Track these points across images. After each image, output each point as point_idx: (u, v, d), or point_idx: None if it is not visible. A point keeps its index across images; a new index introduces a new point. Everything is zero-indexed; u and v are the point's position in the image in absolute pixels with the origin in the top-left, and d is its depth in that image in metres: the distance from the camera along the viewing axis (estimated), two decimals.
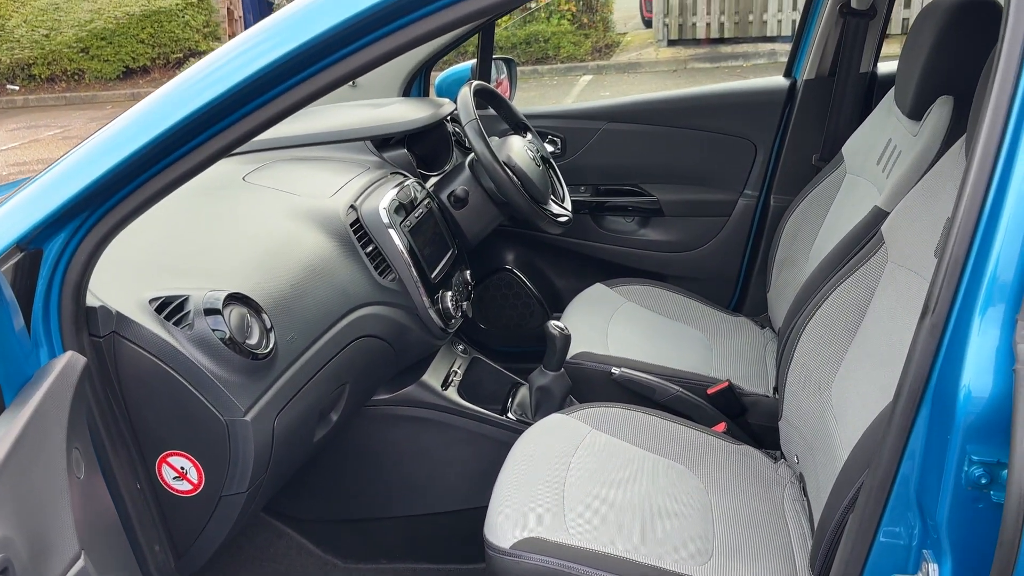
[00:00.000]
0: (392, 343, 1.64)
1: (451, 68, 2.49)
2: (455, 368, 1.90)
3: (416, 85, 2.42)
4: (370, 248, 1.65)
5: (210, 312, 1.21)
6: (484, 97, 2.10)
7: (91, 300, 1.18)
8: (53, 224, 1.06)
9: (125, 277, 1.27)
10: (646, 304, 2.13)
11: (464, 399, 1.83)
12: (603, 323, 2.02)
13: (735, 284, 2.42)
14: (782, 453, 1.61)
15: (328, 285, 1.48)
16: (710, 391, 1.83)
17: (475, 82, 2.02)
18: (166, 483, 1.25)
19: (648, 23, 11.05)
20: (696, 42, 10.23)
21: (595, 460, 1.49)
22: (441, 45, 2.33)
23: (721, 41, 10.08)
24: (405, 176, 1.90)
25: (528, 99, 9.18)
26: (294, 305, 1.38)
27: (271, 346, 1.27)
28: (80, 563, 0.88)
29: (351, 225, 1.63)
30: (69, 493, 0.90)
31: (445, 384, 1.83)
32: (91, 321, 1.17)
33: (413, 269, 1.69)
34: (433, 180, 2.07)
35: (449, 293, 1.78)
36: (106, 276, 1.25)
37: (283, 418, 1.30)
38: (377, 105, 2.16)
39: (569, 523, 1.33)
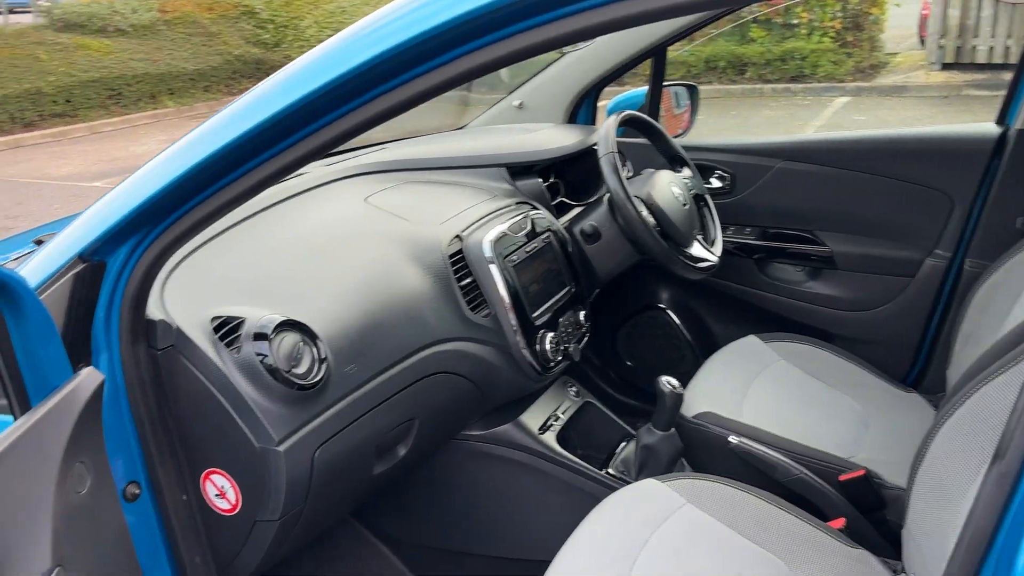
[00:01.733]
0: (477, 382, 1.58)
1: (624, 93, 2.38)
2: (560, 412, 1.81)
3: (584, 110, 2.34)
4: (467, 281, 1.60)
5: (258, 337, 1.22)
6: (639, 127, 1.99)
7: (159, 314, 1.23)
8: (115, 237, 1.11)
9: (205, 292, 1.31)
10: (802, 365, 1.91)
11: (563, 446, 1.73)
12: (745, 381, 1.84)
13: (915, 355, 2.11)
14: (903, 567, 1.38)
15: (407, 317, 1.45)
16: (842, 478, 1.61)
17: (626, 112, 1.91)
18: (209, 499, 1.27)
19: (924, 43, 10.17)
20: (976, 67, 9.25)
21: (680, 538, 1.35)
22: (610, 69, 2.23)
23: (1005, 67, 9.03)
24: (533, 207, 1.83)
25: (774, 119, 8.74)
26: (361, 336, 1.36)
27: (320, 377, 1.26)
28: None
29: (452, 256, 1.59)
30: (53, 507, 0.93)
31: (544, 427, 1.74)
32: (151, 333, 1.21)
33: (511, 307, 1.61)
34: (574, 212, 1.99)
35: (551, 335, 1.69)
36: (188, 290, 1.30)
37: (326, 451, 1.28)
38: (527, 130, 2.10)
39: None
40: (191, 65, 11.63)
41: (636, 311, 2.40)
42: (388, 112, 0.95)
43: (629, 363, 2.42)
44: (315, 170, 1.80)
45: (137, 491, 1.20)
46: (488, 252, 1.61)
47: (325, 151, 1.03)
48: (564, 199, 2.05)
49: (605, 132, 1.81)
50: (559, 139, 2.00)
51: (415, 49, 0.89)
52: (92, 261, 1.12)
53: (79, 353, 1.14)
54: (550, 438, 1.73)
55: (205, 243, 1.43)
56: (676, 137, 2.36)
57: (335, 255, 1.48)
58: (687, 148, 2.17)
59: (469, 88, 2.65)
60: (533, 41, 0.85)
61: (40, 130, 9.64)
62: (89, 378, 1.02)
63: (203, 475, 1.26)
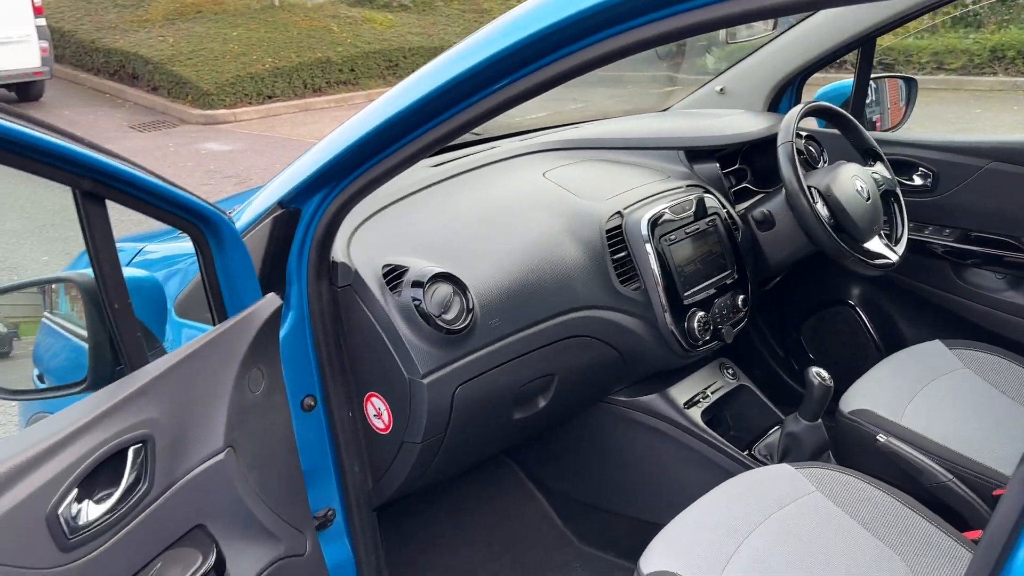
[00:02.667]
0: (621, 350, 1.69)
1: (832, 84, 2.34)
2: (709, 390, 1.87)
3: (787, 97, 2.33)
4: (621, 256, 1.70)
5: (416, 285, 1.41)
6: (830, 118, 1.98)
7: (342, 257, 1.46)
8: (308, 188, 1.34)
9: (383, 243, 1.53)
10: (984, 375, 1.83)
11: (711, 424, 1.80)
12: (916, 385, 1.80)
13: None
14: None
15: (556, 283, 1.58)
16: (996, 492, 1.55)
17: (814, 103, 1.91)
18: (368, 418, 1.50)
19: None
20: None
21: (800, 521, 1.39)
22: (813, 58, 2.21)
23: None
24: (706, 191, 1.89)
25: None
26: (510, 295, 1.52)
27: (465, 324, 1.43)
28: (220, 457, 1.14)
29: (610, 231, 1.70)
30: (229, 400, 1.17)
31: (690, 403, 1.81)
32: (334, 273, 1.44)
33: (661, 284, 1.70)
34: (758, 199, 2.02)
35: (701, 314, 1.75)
36: (370, 240, 1.52)
37: (465, 390, 1.46)
38: (715, 116, 2.15)
39: (725, 573, 1.28)
40: (460, 40, 12.34)
41: (823, 305, 2.37)
42: (560, 77, 1.06)
43: (812, 356, 2.40)
44: (506, 144, 1.97)
45: (313, 403, 1.44)
46: (644, 231, 1.70)
47: (490, 117, 1.18)
48: (749, 185, 2.08)
49: (787, 121, 1.83)
50: (742, 126, 2.03)
51: (591, 20, 0.98)
52: (289, 208, 1.36)
53: (275, 284, 1.39)
54: (695, 413, 1.80)
55: (396, 202, 1.65)
56: (888, 131, 2.29)
57: (502, 222, 1.65)
58: (893, 143, 2.11)
59: (677, 71, 2.71)
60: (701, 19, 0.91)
61: (326, 95, 10.70)
62: (270, 302, 1.26)
63: (365, 397, 1.49)
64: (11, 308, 1.35)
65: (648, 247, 1.70)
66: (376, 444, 1.50)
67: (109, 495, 0.99)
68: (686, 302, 1.74)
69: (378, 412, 1.48)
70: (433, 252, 1.51)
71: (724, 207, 1.90)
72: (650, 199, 1.79)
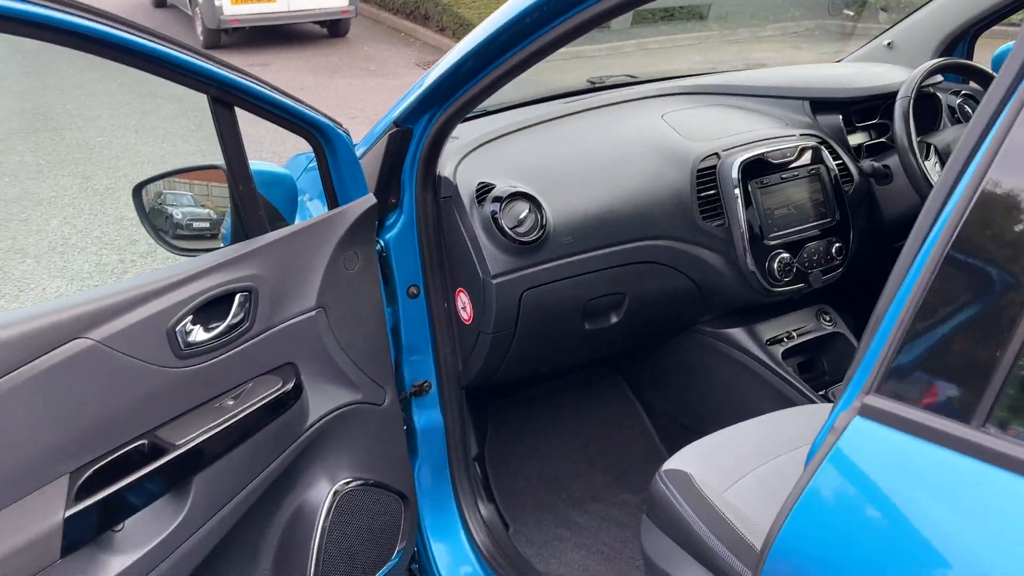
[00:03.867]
0: (697, 281, 1.83)
1: (1010, 43, 2.22)
2: (798, 332, 1.94)
3: (959, 50, 2.25)
4: (709, 193, 1.82)
5: (496, 200, 1.66)
6: (971, 75, 1.94)
7: (447, 173, 1.74)
8: (418, 109, 1.62)
9: (484, 166, 1.78)
10: None
11: (799, 365, 1.88)
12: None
13: None
14: None
15: (636, 212, 1.76)
16: None
17: (950, 59, 1.89)
18: (457, 310, 1.78)
19: None
20: None
21: None
22: (982, 13, 2.12)
23: None
24: (822, 140, 1.94)
25: None
26: (586, 219, 1.72)
27: (535, 238, 1.66)
28: (311, 314, 1.48)
29: (702, 169, 1.83)
30: (324, 272, 1.49)
31: (774, 341, 1.91)
32: (438, 185, 1.72)
33: (744, 224, 1.80)
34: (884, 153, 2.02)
35: (784, 256, 1.83)
36: (475, 162, 1.79)
37: (532, 295, 1.69)
38: (858, 69, 2.15)
39: (739, 484, 1.41)
40: None
41: None
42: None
43: None
44: (638, 87, 2.14)
45: (416, 292, 1.75)
46: (735, 173, 1.81)
47: (575, 37, 1.33)
48: (886, 140, 2.08)
49: (912, 75, 1.83)
50: (878, 79, 2.03)
51: None
52: (403, 127, 1.66)
53: (391, 192, 1.70)
54: (776, 351, 1.90)
55: (512, 132, 1.90)
56: None
57: (600, 156, 1.84)
58: None
59: (855, 24, 2.67)
60: None
61: (597, 44, 10.96)
62: (367, 200, 1.57)
63: (456, 292, 1.77)
64: (173, 190, 1.76)
65: (737, 190, 1.81)
66: (463, 332, 1.79)
67: (217, 326, 1.34)
68: (769, 243, 1.84)
69: (464, 305, 1.76)
70: (524, 175, 1.75)
71: (839, 159, 1.94)
72: (754, 143, 1.88)
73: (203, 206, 1.66)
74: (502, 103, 2.09)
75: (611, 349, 2.03)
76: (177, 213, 1.68)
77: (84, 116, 7.34)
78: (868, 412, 0.81)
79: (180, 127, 7.01)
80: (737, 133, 1.92)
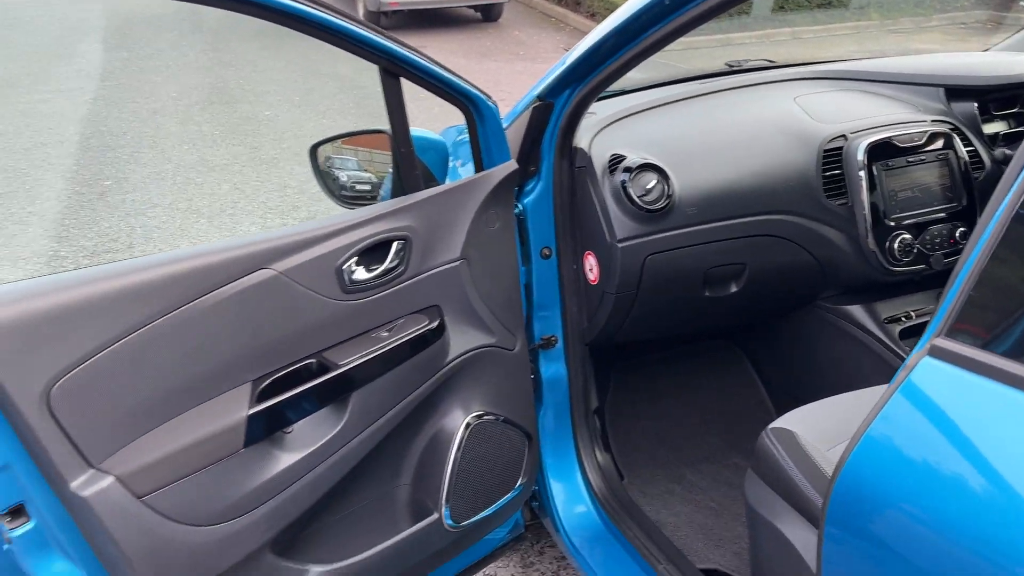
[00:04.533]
0: (817, 256, 1.91)
1: None
2: (917, 312, 1.99)
3: None
4: (834, 173, 1.90)
5: (626, 170, 1.80)
6: None
7: (583, 144, 1.89)
8: (559, 85, 1.78)
9: (618, 139, 1.93)
10: None
11: (905, 343, 1.94)
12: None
13: None
14: None
15: (760, 187, 1.86)
16: None
17: None
18: (584, 271, 1.94)
19: None
20: None
21: None
22: None
23: None
24: (955, 127, 1.97)
25: None
26: (711, 192, 1.84)
27: (662, 207, 1.79)
28: (456, 264, 1.66)
29: (828, 150, 1.90)
30: (468, 228, 1.67)
31: (892, 319, 1.97)
32: (573, 155, 1.88)
33: (867, 205, 1.87)
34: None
35: (905, 237, 1.89)
36: (610, 136, 1.93)
37: (655, 259, 1.82)
38: (998, 59, 2.15)
39: (841, 446, 1.51)
40: None
41: None
42: None
43: None
44: (774, 71, 2.22)
45: (548, 253, 1.92)
46: (861, 155, 1.88)
47: (710, 17, 1.43)
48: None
49: None
50: (1013, 68, 2.04)
51: None
52: (545, 101, 1.82)
53: (532, 160, 1.87)
54: (894, 329, 1.95)
55: (648, 109, 2.03)
56: None
57: (728, 134, 1.95)
58: None
59: (1006, 10, 2.62)
60: None
61: (749, 31, 10.79)
62: (509, 166, 1.74)
63: (584, 254, 1.93)
64: (340, 155, 1.98)
65: (862, 172, 1.88)
66: (589, 292, 1.94)
67: (376, 268, 1.55)
68: (890, 223, 1.90)
69: (591, 267, 1.91)
70: (655, 149, 1.88)
71: (971, 146, 1.97)
72: (883, 127, 1.94)
73: (365, 171, 1.88)
74: (639, 83, 2.22)
75: (730, 320, 2.13)
76: (343, 176, 1.91)
77: (255, 91, 7.91)
78: (937, 353, 0.92)
79: (339, 104, 7.44)
80: (867, 117, 1.98)
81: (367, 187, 1.84)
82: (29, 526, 1.25)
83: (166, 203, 5.24)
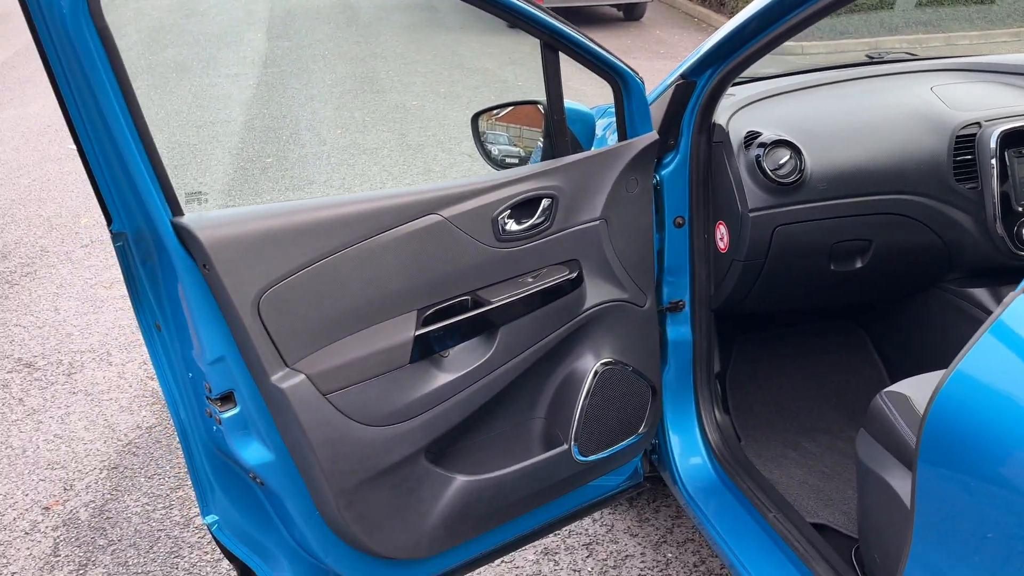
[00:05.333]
0: (943, 237, 1.98)
1: None
2: None
3: None
4: (965, 159, 1.97)
5: (761, 145, 1.93)
6: None
7: (722, 121, 2.03)
8: (701, 65, 1.93)
9: (755, 117, 2.05)
10: None
11: None
12: None
13: None
14: None
15: (890, 167, 1.94)
16: None
17: None
18: (715, 240, 2.07)
19: None
20: None
21: None
22: None
23: None
24: None
25: None
26: (842, 168, 1.94)
27: (794, 181, 1.91)
28: (596, 223, 1.83)
29: (961, 136, 1.97)
30: (609, 191, 1.84)
31: None
32: (712, 131, 2.02)
33: (997, 191, 1.93)
34: None
35: None
36: (747, 114, 2.06)
37: (784, 230, 1.94)
38: None
39: None
40: None
41: None
42: None
43: None
44: (914, 63, 2.29)
45: (681, 222, 2.07)
46: (994, 143, 1.94)
47: (842, 5, 1.59)
48: None
49: None
50: None
51: None
52: (688, 79, 1.97)
53: (672, 134, 2.03)
54: None
55: (789, 92, 2.15)
56: None
57: (862, 117, 2.04)
58: None
59: None
60: None
61: (900, 35, 10.48)
62: (650, 136, 1.90)
63: (716, 224, 2.07)
64: (494, 130, 2.19)
65: (993, 160, 1.94)
66: (718, 260, 2.08)
67: (526, 222, 1.75)
68: (1019, 209, 1.95)
69: (722, 236, 2.05)
70: (790, 128, 2.00)
71: None
72: (1018, 116, 1.99)
73: (515, 145, 2.09)
74: (780, 72, 2.34)
75: (853, 297, 2.22)
76: (495, 149, 2.13)
77: (403, 81, 8.32)
78: None
79: (482, 96, 7.74)
80: (1004, 106, 2.04)
81: (515, 161, 2.05)
82: (235, 411, 1.51)
83: (321, 180, 5.64)
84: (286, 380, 1.47)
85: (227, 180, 5.64)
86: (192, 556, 2.43)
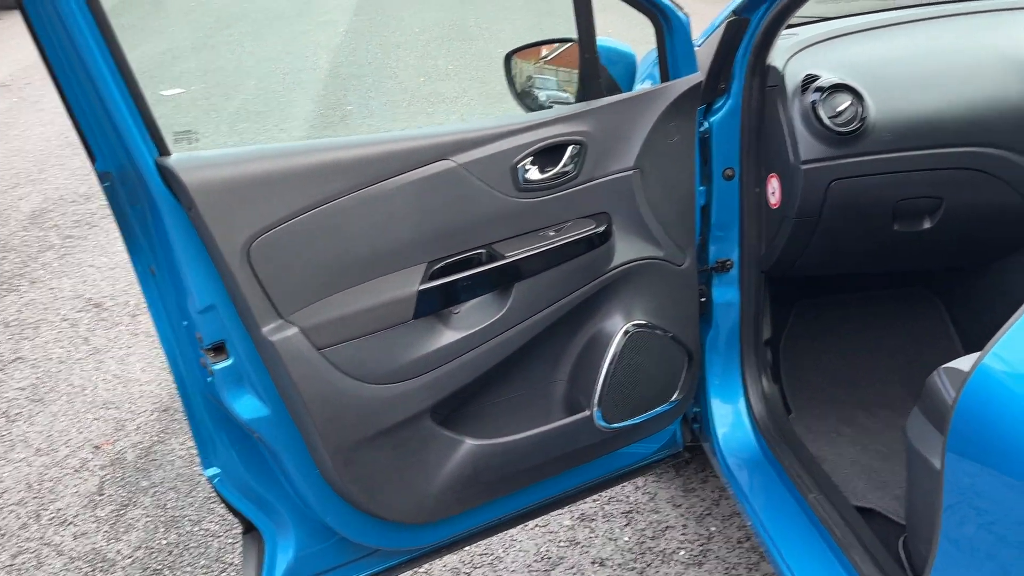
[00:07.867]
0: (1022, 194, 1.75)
1: None
2: None
3: None
4: None
5: (818, 89, 1.74)
6: None
7: (778, 63, 1.84)
8: (755, 1, 1.75)
9: (818, 60, 1.85)
10: None
11: None
12: None
13: None
14: None
15: (969, 117, 1.73)
16: None
17: None
18: (767, 195, 1.90)
19: None
20: None
21: None
22: None
23: None
24: None
25: None
26: (911, 116, 1.73)
27: (853, 130, 1.72)
28: (628, 173, 1.68)
29: None
30: (646, 137, 1.69)
31: None
32: (765, 73, 1.84)
33: None
34: None
35: None
36: (806, 56, 1.86)
37: (840, 184, 1.76)
38: None
39: None
40: None
41: None
42: None
43: None
44: None
45: (731, 175, 1.90)
46: None
47: None
48: None
49: None
50: None
51: None
52: (741, 16, 1.79)
53: (722, 77, 1.85)
54: None
55: (853, 33, 1.94)
56: None
57: (940, 61, 1.82)
58: None
59: None
60: None
61: None
62: (694, 78, 1.73)
63: (768, 177, 1.89)
64: (542, 75, 2.04)
65: None
66: (769, 216, 1.90)
67: (550, 170, 1.62)
68: None
69: (774, 190, 1.88)
70: (854, 72, 1.80)
71: None
72: None
73: (564, 91, 1.95)
74: (849, 11, 2.11)
75: (922, 261, 2.01)
76: (542, 95, 1.99)
77: (490, 30, 8.17)
78: None
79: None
80: None
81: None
82: (228, 363, 1.46)
83: (398, 129, 5.59)
84: (278, 332, 1.40)
85: (307, 128, 5.65)
86: None
